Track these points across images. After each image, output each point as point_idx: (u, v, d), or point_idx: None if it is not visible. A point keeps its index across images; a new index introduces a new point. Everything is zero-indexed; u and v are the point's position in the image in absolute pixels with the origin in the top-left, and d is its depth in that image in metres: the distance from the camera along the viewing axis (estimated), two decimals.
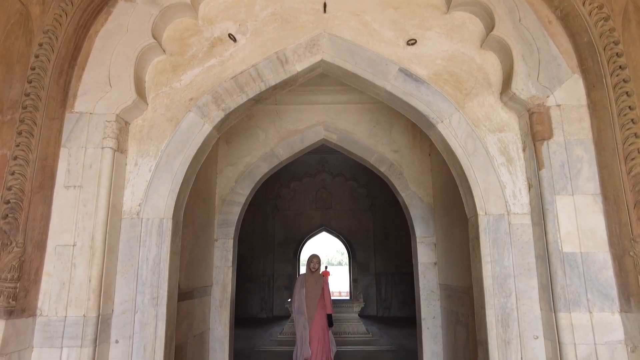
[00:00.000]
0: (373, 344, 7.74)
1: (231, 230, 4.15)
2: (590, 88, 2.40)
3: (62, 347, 2.17)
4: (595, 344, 2.15)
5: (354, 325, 8.26)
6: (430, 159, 4.28)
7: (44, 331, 2.19)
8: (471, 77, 2.67)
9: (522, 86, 2.47)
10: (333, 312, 5.04)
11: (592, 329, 2.16)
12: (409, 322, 6.13)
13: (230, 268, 4.06)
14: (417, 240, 4.12)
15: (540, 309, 2.35)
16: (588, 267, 2.24)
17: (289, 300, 10.18)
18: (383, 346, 7.62)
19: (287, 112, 4.40)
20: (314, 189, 13.59)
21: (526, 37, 2.53)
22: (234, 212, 4.20)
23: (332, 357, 4.97)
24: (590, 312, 2.18)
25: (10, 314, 2.04)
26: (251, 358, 6.85)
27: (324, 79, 3.67)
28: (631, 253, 2.09)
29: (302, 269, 5.01)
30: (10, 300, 2.05)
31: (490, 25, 2.61)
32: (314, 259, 5.09)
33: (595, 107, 2.37)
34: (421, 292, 3.99)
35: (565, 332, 2.17)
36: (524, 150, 2.55)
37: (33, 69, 2.31)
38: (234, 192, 4.24)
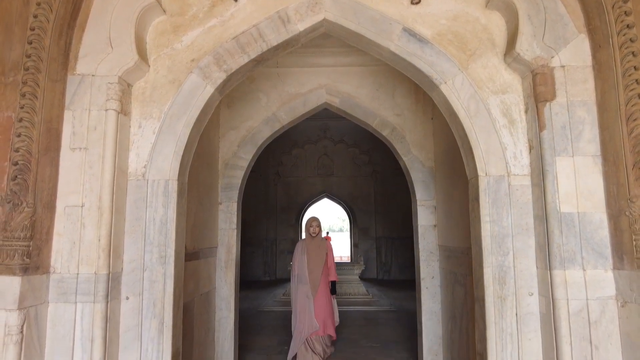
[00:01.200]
0: (373, 304, 8.00)
1: (235, 194, 4.21)
2: (596, 48, 2.37)
3: (76, 303, 2.27)
4: (587, 299, 2.23)
5: (354, 287, 8.50)
6: (433, 122, 4.27)
7: (58, 287, 2.28)
8: (475, 37, 2.63)
9: (526, 46, 2.44)
10: (337, 279, 4.69)
11: (585, 285, 2.24)
12: (408, 284, 6.31)
13: (235, 230, 4.15)
14: (418, 203, 4.18)
15: (537, 267, 2.42)
16: (584, 226, 2.29)
17: (292, 263, 10.42)
18: (383, 307, 7.89)
19: (289, 75, 4.36)
20: (316, 156, 13.62)
21: None
22: (237, 176, 4.24)
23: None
24: (584, 270, 2.25)
25: (25, 270, 2.11)
26: (255, 318, 7.11)
27: (326, 40, 3.61)
28: (627, 213, 2.13)
29: (304, 235, 4.59)
30: (25, 257, 2.12)
31: None
32: (313, 223, 4.60)
33: (600, 68, 2.35)
34: (421, 254, 4.09)
35: (559, 289, 2.25)
36: (526, 112, 2.55)
37: (32, 29, 2.28)
38: (236, 156, 4.27)
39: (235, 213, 4.19)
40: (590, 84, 2.40)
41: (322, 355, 4.39)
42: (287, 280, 12.18)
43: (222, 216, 4.17)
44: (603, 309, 2.22)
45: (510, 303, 2.40)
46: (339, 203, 14.09)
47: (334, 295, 4.58)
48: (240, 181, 4.24)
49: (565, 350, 2.20)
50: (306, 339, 4.33)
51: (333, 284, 4.54)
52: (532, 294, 2.41)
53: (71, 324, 2.26)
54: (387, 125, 4.31)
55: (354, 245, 13.64)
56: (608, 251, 2.26)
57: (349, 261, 11.56)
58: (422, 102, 4.31)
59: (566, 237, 2.28)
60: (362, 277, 9.83)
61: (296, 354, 4.41)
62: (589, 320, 2.22)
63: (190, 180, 2.84)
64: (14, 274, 2.09)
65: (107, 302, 2.31)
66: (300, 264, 4.44)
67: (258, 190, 13.04)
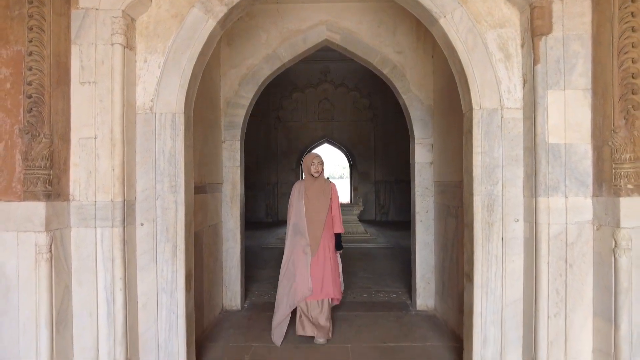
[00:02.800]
0: (371, 242, 8.38)
1: (237, 132, 4.31)
2: None
3: (95, 227, 2.46)
4: (566, 224, 2.42)
5: (353, 226, 8.85)
6: (433, 61, 4.28)
7: (78, 213, 2.47)
8: None
9: None
10: (343, 231, 3.71)
11: (565, 211, 2.42)
12: (405, 225, 6.58)
13: (239, 168, 4.30)
14: (416, 141, 4.29)
15: (523, 196, 2.59)
16: (570, 157, 2.43)
17: (288, 209, 10.70)
18: (380, 244, 8.27)
19: (289, 11, 4.30)
20: (316, 100, 13.54)
21: None
22: (239, 115, 4.32)
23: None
24: (566, 197, 2.42)
25: (48, 196, 2.28)
26: (260, 254, 7.50)
27: None
28: (610, 143, 2.26)
29: (304, 175, 3.71)
30: (47, 185, 2.29)
31: None
32: (315, 160, 3.58)
33: (598, 0, 2.37)
34: (416, 189, 4.27)
35: (542, 214, 2.43)
36: (522, 46, 2.59)
37: None
38: (238, 95, 4.32)
39: (239, 151, 4.32)
40: (588, 17, 2.43)
41: (321, 324, 3.45)
42: None
43: (226, 154, 4.30)
44: (580, 232, 2.42)
45: (497, 228, 2.60)
46: (339, 148, 14.19)
47: (340, 252, 3.68)
48: (242, 120, 4.33)
49: (543, 268, 2.43)
50: (300, 305, 3.47)
51: (338, 237, 3.63)
52: (518, 220, 2.60)
53: (93, 246, 2.47)
54: (388, 63, 4.33)
55: (354, 189, 13.94)
56: (590, 180, 2.42)
57: (349, 203, 11.89)
58: (423, 40, 4.29)
59: (552, 167, 2.42)
60: (362, 219, 10.17)
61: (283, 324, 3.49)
62: (566, 242, 2.42)
63: (195, 118, 2.94)
64: (38, 199, 2.26)
65: (124, 226, 2.50)
66: (298, 210, 3.55)
67: (259, 135, 13.10)
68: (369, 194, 13.60)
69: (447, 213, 3.82)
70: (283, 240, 8.09)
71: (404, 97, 4.30)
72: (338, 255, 3.68)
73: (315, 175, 3.59)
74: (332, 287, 3.50)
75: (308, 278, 3.44)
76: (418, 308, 4.24)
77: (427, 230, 4.24)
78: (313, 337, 3.47)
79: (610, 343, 2.28)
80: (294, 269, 3.49)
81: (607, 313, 2.30)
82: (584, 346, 2.43)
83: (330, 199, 3.59)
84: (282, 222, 12.13)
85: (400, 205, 12.88)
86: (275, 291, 3.65)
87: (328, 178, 3.73)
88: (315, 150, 14.71)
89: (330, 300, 3.56)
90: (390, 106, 11.89)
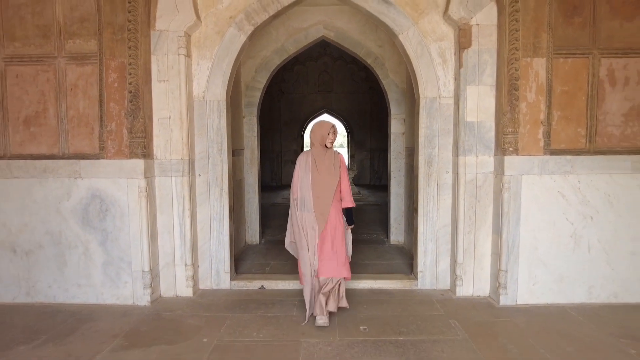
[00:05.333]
0: (362, 200, 9.77)
1: (254, 110, 5.57)
2: (500, 13, 3.58)
3: (171, 177, 3.78)
4: (476, 173, 3.73)
5: None
6: None
7: (160, 167, 3.78)
8: (425, 0, 3.81)
9: (455, 10, 3.64)
10: (354, 205, 3.42)
11: (476, 165, 3.72)
12: None
13: (256, 137, 5.59)
14: (392, 116, 5.55)
15: (452, 155, 3.89)
16: (480, 130, 3.71)
17: (292, 182, 12.02)
18: (370, 202, 9.66)
19: (294, 14, 5.44)
20: (316, 73, 14.57)
21: None
22: (255, 96, 5.56)
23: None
24: (477, 156, 3.72)
25: (144, 156, 3.59)
26: (269, 210, 8.89)
27: None
28: (502, 121, 3.54)
29: (312, 146, 3.39)
30: (143, 149, 3.59)
31: None
32: (331, 129, 3.29)
33: (500, 26, 3.59)
34: (392, 154, 5.57)
35: (462, 168, 3.74)
36: (455, 54, 3.83)
37: (130, 3, 3.49)
38: (254, 80, 5.55)
39: (255, 124, 5.60)
40: (494, 37, 3.65)
41: (329, 302, 3.25)
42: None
43: (245, 126, 5.58)
44: (485, 179, 3.74)
45: (434, 178, 3.91)
46: (338, 118, 15.35)
47: (350, 227, 3.44)
48: (258, 100, 5.58)
49: (461, 203, 3.76)
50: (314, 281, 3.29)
51: (349, 212, 3.39)
52: (448, 172, 3.91)
53: (169, 189, 3.80)
54: (371, 55, 5.52)
55: (351, 156, 15.22)
56: (492, 145, 3.71)
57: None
58: None
59: (468, 137, 3.71)
60: (357, 183, 11.50)
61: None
62: (476, 186, 3.74)
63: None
64: (138, 158, 3.57)
65: (189, 176, 3.82)
66: (304, 184, 3.29)
67: (264, 106, 14.08)
68: (364, 160, 14.88)
69: (411, 171, 5.13)
70: (288, 200, 9.58)
71: (383, 82, 5.53)
72: (349, 230, 3.45)
73: (329, 146, 3.33)
74: (342, 266, 3.28)
75: (315, 255, 3.23)
76: (391, 243, 5.64)
77: (399, 184, 5.58)
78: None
79: (497, 247, 3.66)
80: (303, 250, 3.28)
81: (497, 229, 3.66)
82: (485, 251, 3.80)
83: (340, 172, 3.31)
84: (285, 186, 13.54)
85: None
86: (283, 234, 3.59)
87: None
88: (315, 120, 15.90)
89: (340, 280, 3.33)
90: None
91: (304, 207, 3.29)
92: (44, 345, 2.96)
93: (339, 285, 3.34)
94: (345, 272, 3.30)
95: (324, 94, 14.75)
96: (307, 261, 3.26)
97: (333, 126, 3.31)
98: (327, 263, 3.25)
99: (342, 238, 3.32)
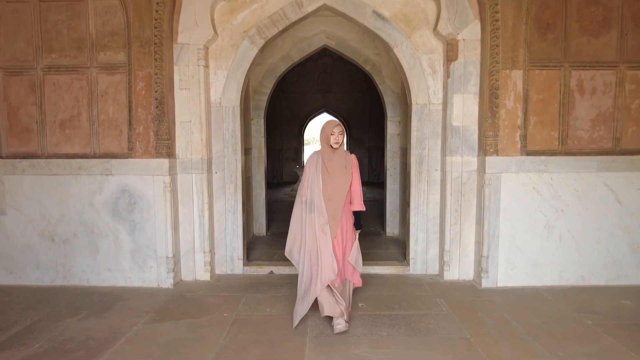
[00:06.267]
0: None
1: (261, 112, 6.04)
2: (482, 29, 4.06)
3: (192, 174, 4.26)
4: (462, 171, 4.22)
5: None
6: None
7: (181, 166, 4.26)
8: (417, 17, 4.28)
9: (444, 27, 4.12)
10: (364, 209, 3.31)
11: (461, 164, 4.21)
12: None
13: (263, 137, 6.07)
14: (388, 119, 6.04)
15: (440, 155, 4.38)
16: (464, 133, 4.19)
17: (298, 167, 12.56)
18: (367, 198, 10.14)
19: (298, 24, 5.90)
20: (316, 73, 15.01)
21: None
22: (263, 100, 6.04)
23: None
24: (462, 157, 4.21)
25: (168, 155, 4.07)
26: (273, 204, 9.35)
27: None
28: (483, 126, 4.03)
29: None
30: (167, 149, 4.06)
31: None
32: (336, 129, 3.17)
33: (483, 42, 4.07)
34: (388, 153, 6.06)
35: (449, 166, 4.23)
36: (443, 65, 4.31)
37: (156, 19, 3.95)
38: (262, 85, 6.02)
39: (263, 125, 6.08)
40: (478, 50, 4.13)
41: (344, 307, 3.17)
42: (291, 182, 14.78)
43: (254, 128, 6.06)
44: (469, 176, 4.23)
45: (424, 175, 4.40)
46: (337, 117, 15.79)
47: (358, 231, 3.30)
48: (265, 103, 6.05)
49: (448, 197, 4.25)
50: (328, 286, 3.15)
51: (358, 215, 3.27)
52: (437, 170, 4.40)
53: (190, 184, 4.28)
54: (369, 62, 6.00)
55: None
56: (476, 146, 4.20)
57: None
58: None
59: (454, 139, 4.20)
60: None
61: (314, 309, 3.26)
62: (461, 182, 4.23)
63: None
64: (163, 157, 4.05)
65: (207, 173, 4.30)
66: (314, 186, 3.18)
67: None
68: (362, 158, 15.36)
69: (406, 169, 5.62)
70: (290, 196, 10.09)
71: (380, 87, 6.01)
72: (356, 235, 3.30)
73: (335, 146, 3.18)
74: (352, 271, 3.28)
75: (333, 259, 3.09)
76: (387, 235, 6.14)
77: (395, 181, 6.07)
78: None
79: (480, 236, 4.15)
80: (313, 253, 3.15)
81: (480, 220, 4.15)
82: (470, 240, 4.29)
83: (352, 173, 3.21)
84: (286, 183, 14.02)
85: None
86: (287, 227, 3.46)
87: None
88: (315, 119, 16.36)
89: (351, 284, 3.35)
90: None
91: (314, 209, 3.16)
92: (87, 318, 3.44)
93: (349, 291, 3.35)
94: (357, 278, 3.32)
95: (323, 94, 15.20)
96: (315, 265, 3.13)
97: (338, 125, 3.20)
98: (340, 270, 3.18)
99: (352, 242, 3.26)
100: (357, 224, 3.29)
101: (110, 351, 2.89)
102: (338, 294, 3.15)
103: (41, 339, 3.06)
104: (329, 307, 3.15)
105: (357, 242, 3.31)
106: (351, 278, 3.31)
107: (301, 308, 3.21)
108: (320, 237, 3.13)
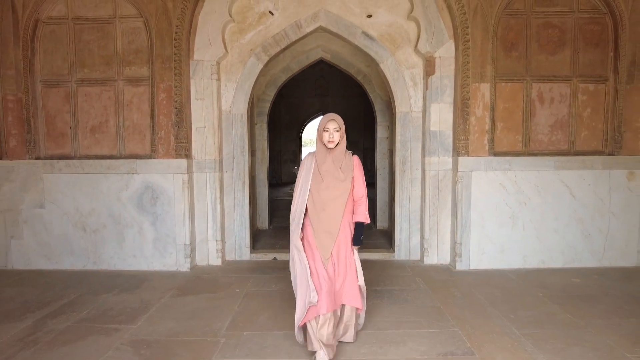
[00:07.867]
0: None
1: (264, 118, 6.71)
2: (456, 48, 4.74)
3: (206, 173, 4.92)
4: (439, 170, 4.89)
5: None
6: None
7: (197, 166, 4.91)
8: (400, 36, 4.96)
9: (423, 46, 4.80)
10: (368, 220, 2.84)
11: (438, 164, 4.88)
12: None
13: (265, 140, 6.74)
14: (378, 123, 6.72)
15: (421, 156, 5.05)
16: (441, 137, 4.87)
17: (296, 167, 13.24)
18: None
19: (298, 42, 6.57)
20: (314, 78, 15.68)
21: (428, 17, 4.76)
22: (265, 107, 6.70)
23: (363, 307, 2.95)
24: (439, 157, 4.88)
25: (186, 156, 4.73)
26: (274, 203, 10.00)
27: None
28: (457, 130, 4.70)
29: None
30: (186, 151, 4.72)
31: (411, 8, 4.82)
32: (329, 125, 2.67)
33: (456, 59, 4.75)
34: (377, 155, 6.73)
35: (427, 166, 4.90)
36: (423, 79, 4.98)
37: (176, 39, 4.61)
38: (264, 93, 6.68)
39: (265, 130, 6.75)
40: (452, 66, 4.80)
41: (330, 341, 2.62)
42: (290, 182, 15.46)
43: (257, 131, 6.72)
44: (445, 174, 4.90)
45: (407, 173, 5.07)
46: None
47: (357, 247, 2.82)
48: (267, 110, 6.72)
49: (427, 192, 4.92)
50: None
51: (359, 227, 2.79)
52: (418, 169, 5.07)
53: (204, 182, 4.93)
54: (361, 73, 6.67)
55: None
56: (450, 148, 4.88)
57: None
58: None
59: (432, 142, 4.87)
60: None
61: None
62: (439, 179, 4.90)
63: None
64: (182, 158, 4.70)
65: (219, 172, 4.96)
66: (304, 193, 2.71)
67: None
68: None
69: (393, 168, 6.29)
70: (289, 195, 10.73)
71: (371, 95, 6.69)
72: (355, 252, 2.82)
73: (330, 146, 2.69)
74: (354, 294, 2.77)
75: (310, 285, 2.60)
76: (377, 228, 6.81)
77: (384, 180, 6.75)
78: None
79: (454, 226, 4.83)
80: (309, 275, 2.63)
81: (454, 212, 4.82)
82: (446, 229, 4.96)
83: (352, 178, 2.72)
84: (285, 184, 14.69)
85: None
86: (287, 222, 3.14)
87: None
88: (313, 122, 17.02)
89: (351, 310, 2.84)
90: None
91: (294, 218, 2.70)
92: (120, 294, 4.09)
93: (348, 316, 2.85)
94: (356, 301, 2.78)
95: (320, 98, 15.86)
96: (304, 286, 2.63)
97: (332, 120, 2.67)
98: (331, 295, 2.62)
99: (351, 258, 2.76)
100: (356, 239, 2.74)
101: (145, 316, 3.54)
102: (325, 325, 2.57)
103: (87, 308, 3.71)
104: (309, 340, 2.64)
105: (357, 259, 2.81)
106: (350, 302, 2.76)
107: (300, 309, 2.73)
108: (295, 257, 2.66)
